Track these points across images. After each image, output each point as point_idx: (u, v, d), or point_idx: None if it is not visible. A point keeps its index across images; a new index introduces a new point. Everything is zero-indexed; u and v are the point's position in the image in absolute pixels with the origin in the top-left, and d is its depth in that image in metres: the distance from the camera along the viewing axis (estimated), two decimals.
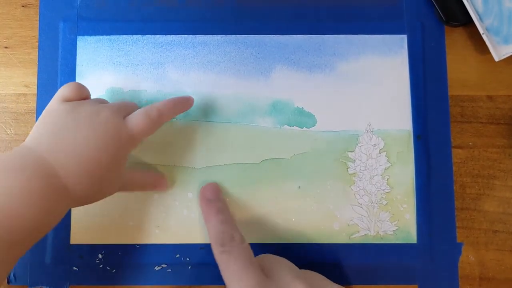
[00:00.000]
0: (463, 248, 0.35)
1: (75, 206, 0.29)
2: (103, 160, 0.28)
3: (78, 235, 0.35)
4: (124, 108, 0.32)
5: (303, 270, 0.30)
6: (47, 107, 0.30)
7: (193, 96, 0.36)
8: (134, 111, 0.32)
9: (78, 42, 0.37)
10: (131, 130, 0.30)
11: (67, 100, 0.30)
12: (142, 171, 0.35)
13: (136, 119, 0.30)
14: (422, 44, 0.37)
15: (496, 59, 0.35)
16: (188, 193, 0.36)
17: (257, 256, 0.31)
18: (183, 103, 0.34)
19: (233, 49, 0.37)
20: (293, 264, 0.30)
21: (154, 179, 0.35)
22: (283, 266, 0.29)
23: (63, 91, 0.31)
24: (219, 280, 0.35)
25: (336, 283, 0.35)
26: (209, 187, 0.35)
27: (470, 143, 0.36)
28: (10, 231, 0.24)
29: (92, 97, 0.36)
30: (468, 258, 0.35)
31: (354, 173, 0.36)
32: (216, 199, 0.34)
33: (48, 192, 0.26)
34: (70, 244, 0.35)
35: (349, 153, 0.36)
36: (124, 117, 0.31)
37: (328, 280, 0.30)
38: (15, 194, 0.24)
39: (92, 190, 0.28)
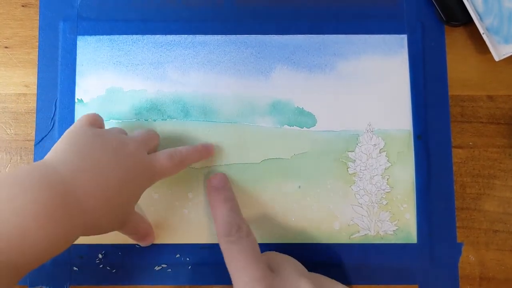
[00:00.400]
0: (463, 248, 0.35)
1: (85, 234, 0.27)
2: (123, 190, 0.28)
3: None
4: (148, 142, 0.33)
5: (309, 272, 0.30)
6: (71, 128, 0.30)
7: (193, 96, 0.36)
8: (155, 143, 0.34)
9: (78, 42, 0.37)
10: (154, 168, 0.31)
11: (91, 125, 0.31)
12: (142, 216, 0.34)
13: (160, 159, 0.31)
14: (422, 44, 0.37)
15: (496, 59, 0.35)
16: (188, 193, 0.36)
17: (263, 253, 0.30)
18: (205, 152, 0.35)
19: (233, 49, 0.37)
20: (300, 263, 0.30)
21: (147, 229, 0.34)
22: (290, 264, 0.29)
23: (86, 117, 0.31)
24: (219, 280, 0.35)
25: None
26: (217, 176, 0.34)
27: (470, 143, 0.36)
28: (20, 253, 0.23)
29: (92, 98, 0.37)
30: (468, 258, 0.35)
31: (354, 173, 0.36)
32: (223, 188, 0.33)
33: (63, 215, 0.24)
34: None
35: (349, 153, 0.36)
36: (148, 152, 0.31)
37: (335, 281, 0.30)
38: (29, 214, 0.23)
39: (105, 218, 0.28)
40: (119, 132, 0.32)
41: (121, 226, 0.31)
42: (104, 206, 0.27)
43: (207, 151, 0.35)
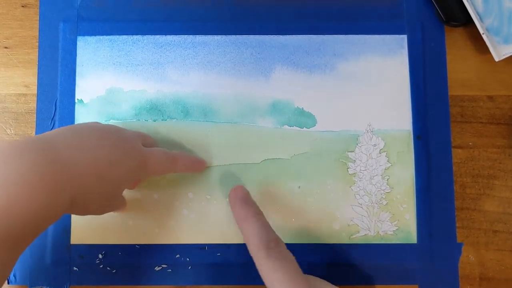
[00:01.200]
0: (463, 248, 0.35)
1: (73, 209, 0.27)
2: (113, 168, 0.28)
3: (78, 235, 0.35)
4: (143, 137, 0.33)
5: None
6: None
7: (193, 97, 0.36)
8: (151, 143, 0.34)
9: (78, 42, 0.37)
10: (146, 158, 0.31)
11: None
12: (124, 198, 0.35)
13: (153, 151, 0.32)
14: (422, 44, 0.37)
15: (496, 59, 0.35)
16: (188, 193, 0.36)
17: (306, 275, 0.29)
18: (197, 163, 0.35)
19: (233, 49, 0.37)
20: None
21: (124, 202, 0.35)
22: None
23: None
24: (219, 280, 0.35)
25: (336, 283, 0.35)
26: (240, 189, 0.33)
27: (470, 143, 0.36)
28: (11, 220, 0.23)
29: (92, 98, 0.37)
30: (468, 258, 0.35)
31: (354, 173, 0.36)
32: (250, 201, 0.32)
33: (50, 180, 0.24)
34: (70, 244, 0.35)
35: (349, 153, 0.36)
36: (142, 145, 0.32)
37: None
38: (12, 181, 0.23)
39: (94, 192, 0.27)
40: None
41: (109, 208, 0.31)
42: (93, 179, 0.27)
43: (198, 163, 0.35)
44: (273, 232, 0.30)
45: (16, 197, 0.23)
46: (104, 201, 0.29)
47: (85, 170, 0.26)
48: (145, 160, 0.31)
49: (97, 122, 0.32)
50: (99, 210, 0.30)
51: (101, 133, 0.29)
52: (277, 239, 0.29)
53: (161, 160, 0.32)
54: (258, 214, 0.31)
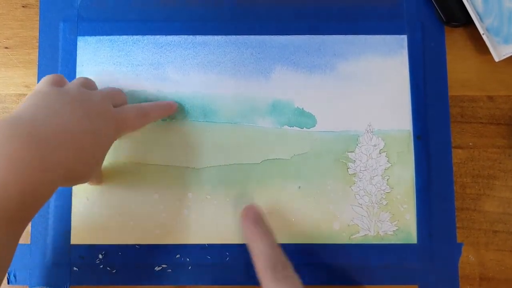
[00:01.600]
0: (463, 248, 0.35)
1: (65, 182, 0.28)
2: (92, 138, 0.28)
3: (78, 235, 0.35)
4: (113, 95, 0.33)
5: None
6: (34, 89, 0.30)
7: (193, 97, 0.36)
8: (121, 100, 0.34)
9: (78, 43, 0.37)
10: (119, 119, 0.31)
11: (55, 84, 0.30)
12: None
13: (125, 110, 0.32)
14: (422, 44, 0.37)
15: (496, 59, 0.35)
16: (188, 193, 0.36)
17: None
18: (168, 108, 0.36)
19: (233, 49, 0.37)
20: None
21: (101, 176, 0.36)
22: None
23: (49, 77, 0.31)
24: (219, 280, 0.35)
25: (336, 283, 0.35)
26: (253, 208, 0.33)
27: (470, 143, 0.36)
28: (7, 198, 0.23)
29: None
30: (468, 258, 0.35)
31: (354, 174, 0.36)
32: (262, 221, 0.32)
33: (37, 163, 0.24)
34: (70, 244, 0.35)
35: (349, 153, 0.36)
36: (114, 106, 0.32)
37: None
38: (7, 163, 0.23)
39: (80, 165, 0.28)
40: (84, 85, 0.32)
41: (95, 172, 0.31)
42: (77, 152, 0.27)
43: (169, 107, 0.36)
44: (282, 254, 0.30)
45: (6, 178, 0.23)
46: (88, 168, 0.29)
47: (69, 144, 0.27)
48: (119, 121, 0.31)
49: (63, 91, 0.30)
50: (86, 178, 0.30)
51: (72, 105, 0.29)
52: (285, 262, 0.29)
53: (134, 118, 0.32)
54: (268, 235, 0.31)
